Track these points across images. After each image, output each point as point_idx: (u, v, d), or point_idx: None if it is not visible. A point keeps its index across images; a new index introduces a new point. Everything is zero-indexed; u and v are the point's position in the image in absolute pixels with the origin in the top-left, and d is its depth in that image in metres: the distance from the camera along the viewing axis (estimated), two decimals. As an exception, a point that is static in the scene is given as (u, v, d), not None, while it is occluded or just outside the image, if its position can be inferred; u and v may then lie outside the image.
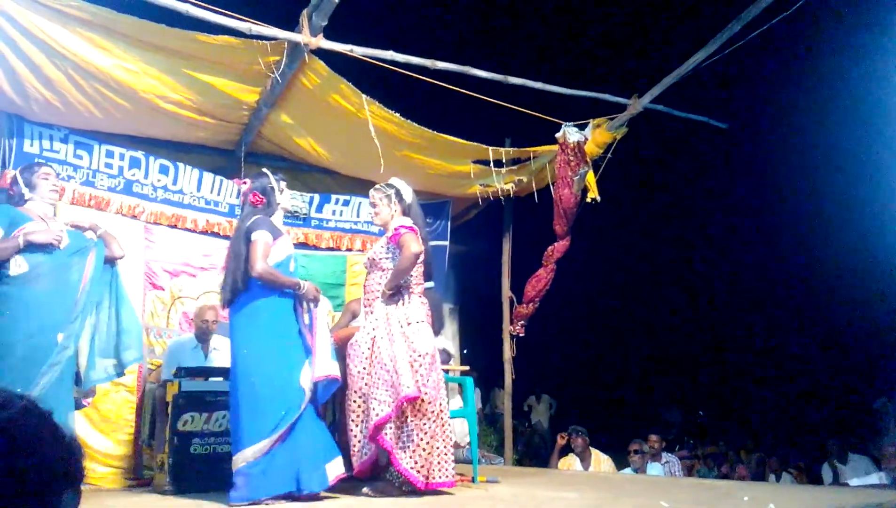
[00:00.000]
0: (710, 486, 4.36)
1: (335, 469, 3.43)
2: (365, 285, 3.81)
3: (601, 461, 5.87)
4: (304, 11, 4.03)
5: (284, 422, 3.33)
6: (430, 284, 3.92)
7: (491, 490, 3.82)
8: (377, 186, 3.86)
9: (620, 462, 6.14)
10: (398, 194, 3.79)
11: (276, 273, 3.47)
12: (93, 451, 4.53)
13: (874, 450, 6.78)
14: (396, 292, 3.62)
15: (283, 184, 3.76)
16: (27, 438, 0.85)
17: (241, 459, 3.30)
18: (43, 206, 3.73)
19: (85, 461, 0.96)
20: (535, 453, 8.34)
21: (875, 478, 5.58)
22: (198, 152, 5.46)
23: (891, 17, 5.37)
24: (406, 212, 3.78)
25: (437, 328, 4.00)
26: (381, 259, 3.70)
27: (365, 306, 3.77)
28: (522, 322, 5.98)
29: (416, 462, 3.41)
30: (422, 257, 3.68)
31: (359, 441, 3.54)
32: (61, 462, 0.88)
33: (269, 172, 3.74)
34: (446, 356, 4.55)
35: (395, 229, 3.63)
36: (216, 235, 5.32)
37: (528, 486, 4.10)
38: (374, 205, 3.82)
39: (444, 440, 3.55)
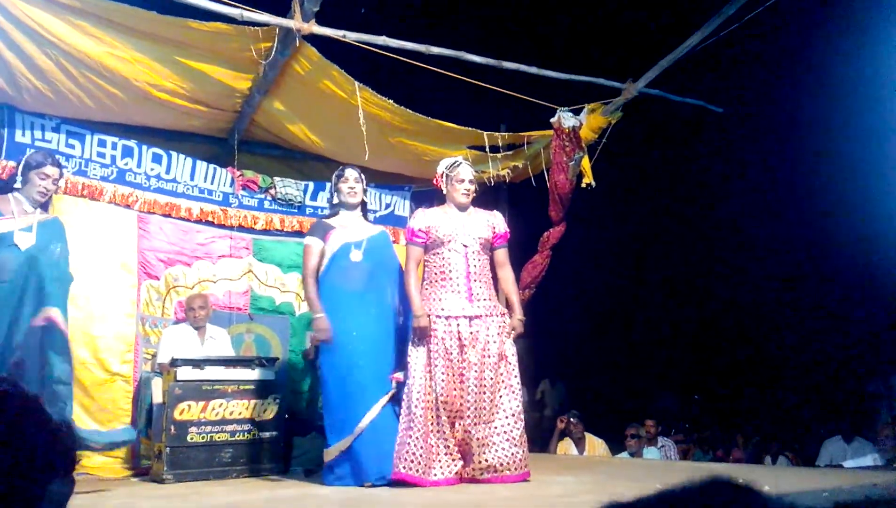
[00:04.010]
0: (706, 469, 4.38)
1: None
2: (473, 266, 3.68)
3: (595, 444, 5.90)
4: (296, -3, 4.00)
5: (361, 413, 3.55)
6: None
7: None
8: (465, 161, 3.88)
9: (617, 447, 6.17)
10: None
11: (308, 289, 3.76)
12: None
13: (868, 432, 6.82)
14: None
15: (338, 181, 3.91)
16: (8, 424, 0.82)
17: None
18: (25, 201, 3.70)
19: (78, 448, 0.93)
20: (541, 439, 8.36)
21: (869, 459, 5.62)
22: (191, 141, 5.44)
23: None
24: None
25: None
26: (488, 242, 3.79)
27: (473, 289, 3.64)
28: (519, 308, 5.98)
29: None
30: None
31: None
32: (47, 449, 0.85)
33: (336, 172, 3.96)
34: None
35: (507, 233, 3.88)
36: (210, 223, 5.31)
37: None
38: (471, 182, 3.82)
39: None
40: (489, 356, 3.54)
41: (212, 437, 4.06)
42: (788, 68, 8.73)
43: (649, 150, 9.88)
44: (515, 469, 3.46)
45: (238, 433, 4.13)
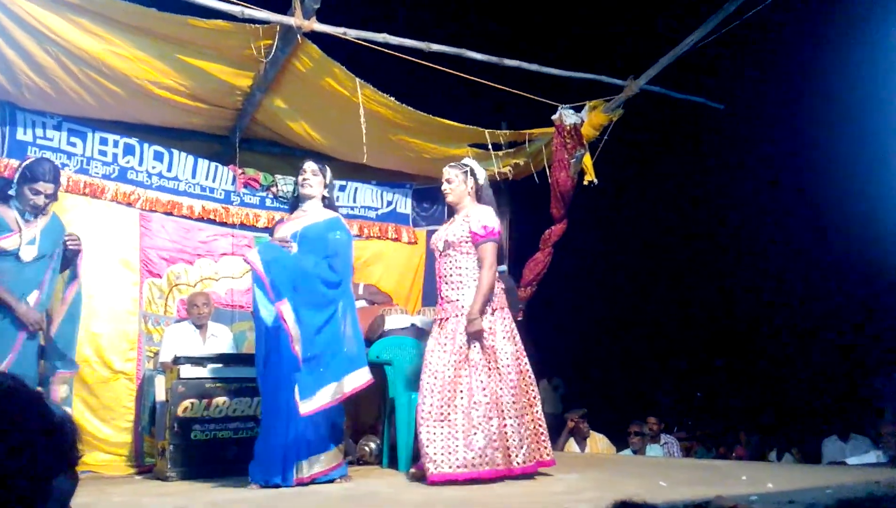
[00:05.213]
0: (709, 466, 4.39)
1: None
2: (440, 269, 3.75)
3: (597, 440, 5.92)
4: (297, -7, 3.99)
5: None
6: (503, 268, 3.86)
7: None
8: (452, 163, 3.91)
9: (620, 444, 6.17)
10: (472, 172, 3.84)
11: None
12: (93, 438, 4.55)
13: (871, 430, 6.81)
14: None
15: (298, 173, 3.85)
16: (11, 420, 0.82)
17: None
18: (22, 211, 3.70)
19: (80, 443, 0.93)
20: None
21: (872, 457, 5.61)
22: (192, 139, 5.43)
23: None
24: (479, 193, 3.83)
25: (515, 311, 3.95)
26: (460, 242, 3.68)
27: (442, 293, 3.72)
28: (521, 306, 5.98)
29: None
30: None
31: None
32: (51, 444, 0.85)
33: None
34: (415, 332, 4.52)
35: (484, 229, 3.64)
36: (212, 221, 5.31)
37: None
38: (449, 181, 3.81)
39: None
40: (452, 356, 3.54)
41: (215, 435, 4.06)
42: (790, 65, 8.72)
43: (650, 147, 9.87)
44: (471, 467, 3.37)
45: (241, 431, 4.13)
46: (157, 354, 4.81)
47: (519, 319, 6.01)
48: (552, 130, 5.35)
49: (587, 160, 5.40)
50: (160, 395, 4.24)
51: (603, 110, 5.43)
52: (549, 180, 5.42)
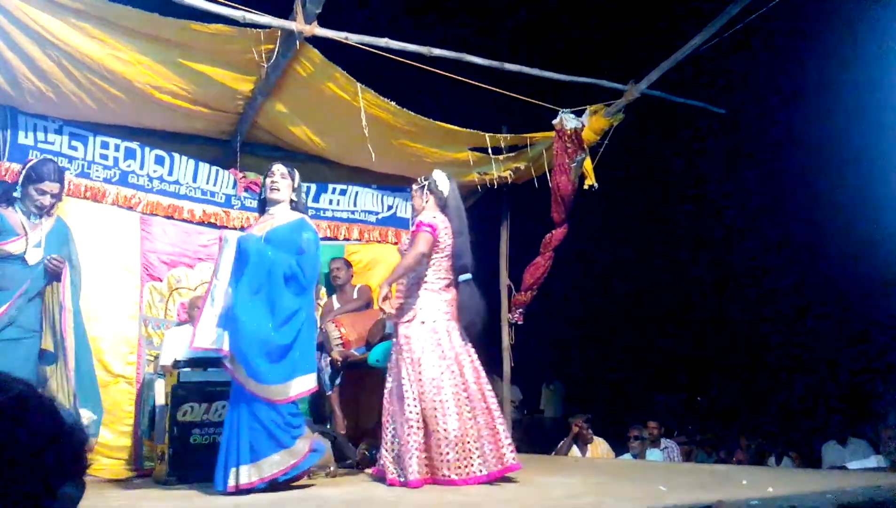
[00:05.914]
0: (709, 471, 4.38)
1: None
2: None
3: (597, 444, 5.91)
4: (298, -1, 4.00)
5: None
6: (467, 276, 3.77)
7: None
8: (418, 179, 4.00)
9: (620, 449, 6.16)
10: (433, 184, 3.87)
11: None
12: (93, 442, 4.54)
13: (871, 434, 6.81)
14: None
15: (265, 176, 3.81)
16: (23, 426, 0.81)
17: None
18: (28, 213, 3.71)
19: (89, 450, 0.93)
20: (539, 441, 8.36)
21: (873, 461, 5.61)
22: (193, 143, 5.43)
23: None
24: (442, 203, 3.84)
25: (473, 321, 3.79)
26: (404, 252, 3.79)
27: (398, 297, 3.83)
28: (521, 310, 5.98)
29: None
30: (448, 251, 3.72)
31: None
32: (61, 451, 0.85)
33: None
34: None
35: (416, 224, 3.75)
36: (213, 225, 5.31)
37: (529, 473, 4.10)
38: (412, 197, 3.98)
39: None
40: (395, 365, 3.69)
41: (214, 439, 4.03)
42: (791, 69, 8.72)
43: (652, 151, 9.88)
44: (390, 475, 3.52)
45: (240, 435, 4.12)
46: (156, 357, 4.81)
47: (520, 323, 6.04)
48: (553, 134, 5.35)
49: (588, 164, 5.40)
50: (160, 399, 4.24)
51: (604, 115, 5.43)
52: (550, 185, 5.42)
